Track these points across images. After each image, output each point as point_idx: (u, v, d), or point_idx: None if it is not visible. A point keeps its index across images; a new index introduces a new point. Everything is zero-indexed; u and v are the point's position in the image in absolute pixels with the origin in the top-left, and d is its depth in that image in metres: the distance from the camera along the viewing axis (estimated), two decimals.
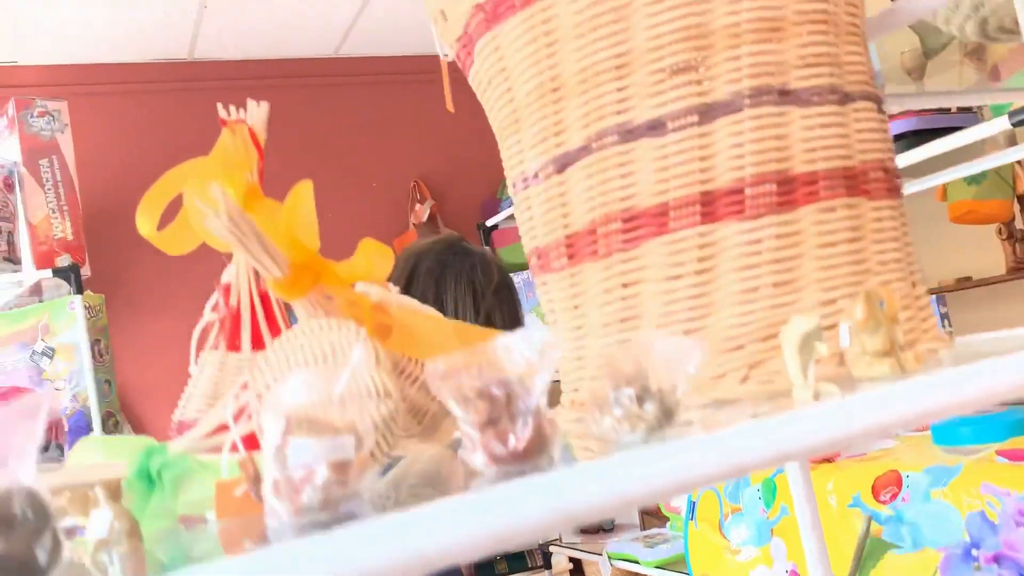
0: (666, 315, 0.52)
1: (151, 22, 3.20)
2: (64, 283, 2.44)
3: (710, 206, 0.51)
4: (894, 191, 0.57)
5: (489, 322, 1.54)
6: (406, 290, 1.59)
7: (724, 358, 0.51)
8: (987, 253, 2.90)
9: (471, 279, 1.56)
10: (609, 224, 0.53)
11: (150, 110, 3.56)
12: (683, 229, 0.51)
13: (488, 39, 0.58)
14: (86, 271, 2.50)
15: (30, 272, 2.43)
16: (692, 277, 0.51)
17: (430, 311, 0.62)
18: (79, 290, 2.29)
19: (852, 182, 0.53)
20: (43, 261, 2.45)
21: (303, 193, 0.53)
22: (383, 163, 4.20)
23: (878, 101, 0.58)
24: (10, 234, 2.37)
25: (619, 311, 0.54)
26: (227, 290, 0.66)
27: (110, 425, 2.48)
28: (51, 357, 2.45)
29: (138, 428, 3.45)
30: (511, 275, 1.70)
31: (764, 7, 0.51)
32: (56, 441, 2.24)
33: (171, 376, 3.54)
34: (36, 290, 2.61)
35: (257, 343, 0.66)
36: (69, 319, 2.41)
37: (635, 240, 0.52)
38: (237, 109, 0.56)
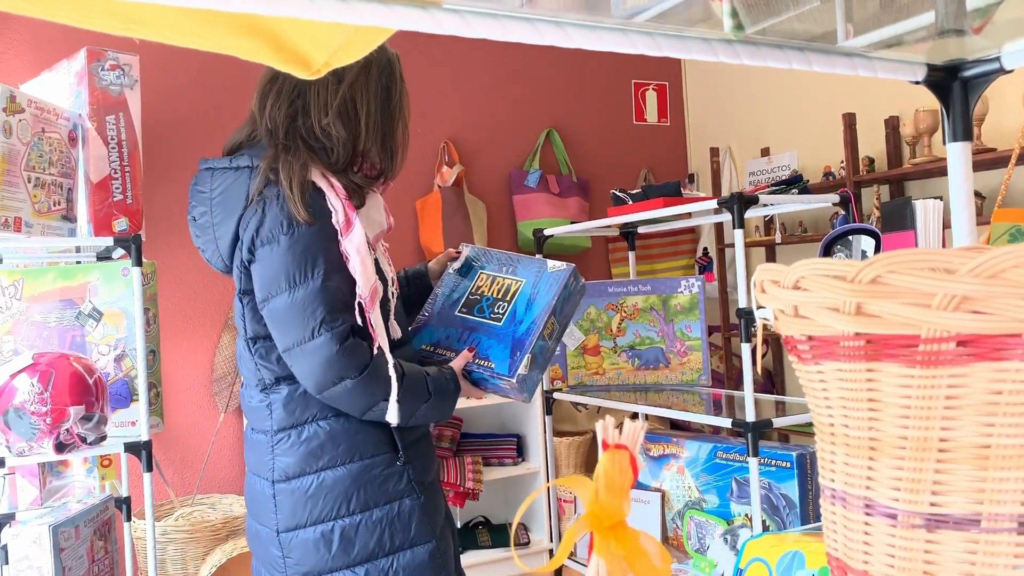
0: None
1: None
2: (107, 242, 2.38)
3: None
4: None
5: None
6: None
7: None
8: None
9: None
10: None
11: (223, 63, 3.43)
12: None
13: (860, 367, 0.55)
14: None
15: (88, 235, 2.37)
16: None
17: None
18: (138, 261, 2.23)
19: None
20: (101, 223, 2.38)
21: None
22: (416, 119, 4.12)
23: None
24: (69, 191, 2.30)
25: None
26: None
27: (152, 396, 2.45)
28: (97, 320, 2.41)
29: (168, 399, 3.42)
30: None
31: None
32: (101, 412, 2.21)
33: (207, 348, 3.49)
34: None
35: None
36: (121, 284, 2.36)
37: None
38: (616, 430, 0.53)
